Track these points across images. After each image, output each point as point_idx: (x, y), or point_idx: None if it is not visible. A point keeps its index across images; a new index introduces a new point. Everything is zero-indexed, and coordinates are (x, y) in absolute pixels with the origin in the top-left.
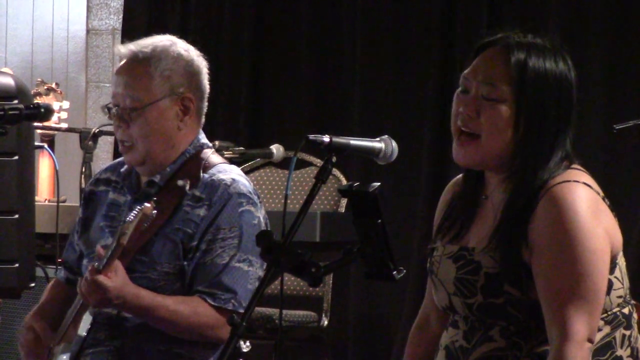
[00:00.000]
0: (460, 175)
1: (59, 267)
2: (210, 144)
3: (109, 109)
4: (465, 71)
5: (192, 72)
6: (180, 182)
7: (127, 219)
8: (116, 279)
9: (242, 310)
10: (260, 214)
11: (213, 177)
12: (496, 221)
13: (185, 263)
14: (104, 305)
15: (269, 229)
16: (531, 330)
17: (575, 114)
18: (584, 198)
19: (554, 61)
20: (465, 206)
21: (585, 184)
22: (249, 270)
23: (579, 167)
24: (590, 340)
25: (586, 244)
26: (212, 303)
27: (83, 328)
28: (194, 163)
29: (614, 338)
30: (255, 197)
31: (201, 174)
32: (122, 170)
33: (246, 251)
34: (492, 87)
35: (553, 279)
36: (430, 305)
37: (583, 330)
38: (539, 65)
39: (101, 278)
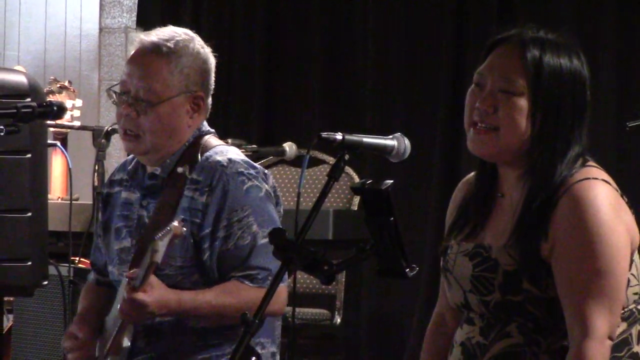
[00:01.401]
0: (472, 174)
1: (71, 266)
2: (212, 130)
3: (116, 93)
4: (480, 67)
5: (206, 71)
6: (180, 169)
7: (156, 236)
8: (153, 292)
9: (280, 283)
10: (266, 185)
11: (209, 159)
12: (515, 218)
13: (206, 256)
14: (149, 320)
15: (278, 196)
16: (549, 326)
17: (589, 110)
18: (605, 195)
19: (568, 57)
20: (481, 204)
21: (604, 181)
22: None
23: (594, 164)
24: (610, 338)
25: (608, 240)
26: (251, 285)
27: (127, 339)
28: (193, 149)
29: (630, 334)
30: (255, 171)
31: (198, 157)
32: (129, 168)
33: (264, 225)
34: (509, 81)
35: (575, 276)
36: (445, 303)
37: (604, 327)
38: (554, 61)
39: (140, 295)
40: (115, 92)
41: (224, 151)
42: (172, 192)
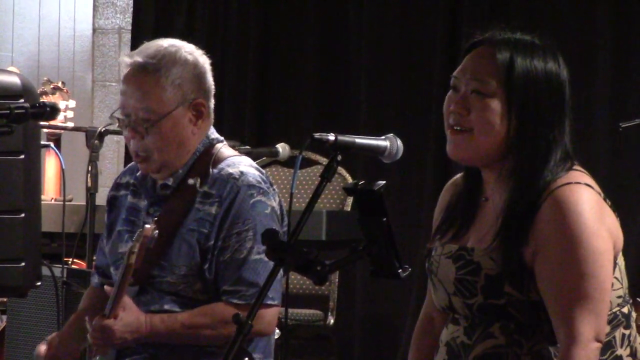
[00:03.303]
0: (459, 175)
1: (65, 267)
2: (221, 138)
3: (119, 119)
4: (455, 71)
5: (199, 75)
6: (191, 181)
7: (133, 238)
8: (125, 317)
9: (271, 302)
10: (273, 202)
11: (222, 172)
12: (497, 222)
13: (206, 266)
14: (120, 346)
15: (284, 215)
16: (531, 328)
17: (569, 112)
18: (587, 200)
19: (542, 59)
20: (465, 206)
21: (587, 185)
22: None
23: (579, 168)
24: (598, 340)
25: (591, 244)
26: (239, 302)
27: None
28: (204, 160)
29: (614, 337)
30: (266, 186)
31: (210, 170)
32: (138, 174)
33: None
34: (481, 83)
35: (558, 281)
36: (433, 305)
37: (589, 331)
38: (527, 62)
39: (106, 322)
40: (118, 118)
41: (237, 163)
42: (179, 202)
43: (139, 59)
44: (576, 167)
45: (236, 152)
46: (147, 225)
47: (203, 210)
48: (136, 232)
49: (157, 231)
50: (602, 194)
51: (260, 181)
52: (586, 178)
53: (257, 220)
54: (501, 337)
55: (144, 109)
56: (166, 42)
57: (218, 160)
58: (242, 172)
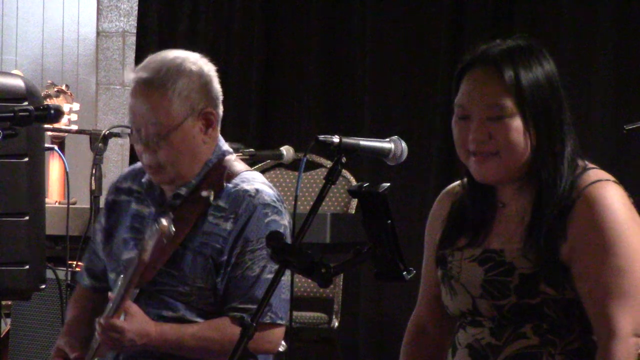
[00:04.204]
0: (454, 185)
1: (69, 270)
2: (232, 150)
3: (130, 134)
4: (458, 97)
5: (205, 84)
6: (204, 193)
7: (146, 235)
8: (135, 320)
9: (279, 322)
10: (286, 221)
11: (237, 188)
12: (524, 225)
13: (219, 279)
14: (127, 348)
15: (292, 234)
16: (563, 327)
17: (566, 100)
18: (620, 196)
19: (538, 63)
20: (481, 211)
21: (614, 181)
22: (282, 280)
23: (594, 165)
24: (637, 335)
25: (626, 240)
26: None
27: None
28: (217, 172)
29: None
30: (280, 205)
31: (225, 184)
32: (144, 180)
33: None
34: (497, 107)
35: (596, 277)
36: (426, 313)
37: (628, 326)
38: (530, 74)
39: (118, 322)
40: (129, 133)
41: (251, 179)
42: (190, 212)
43: (143, 74)
44: (591, 165)
45: (247, 167)
46: (164, 221)
47: (216, 225)
48: (140, 239)
49: (173, 228)
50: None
51: (274, 200)
52: (609, 175)
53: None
54: (534, 337)
55: (153, 124)
56: (170, 54)
57: (232, 174)
58: (257, 190)
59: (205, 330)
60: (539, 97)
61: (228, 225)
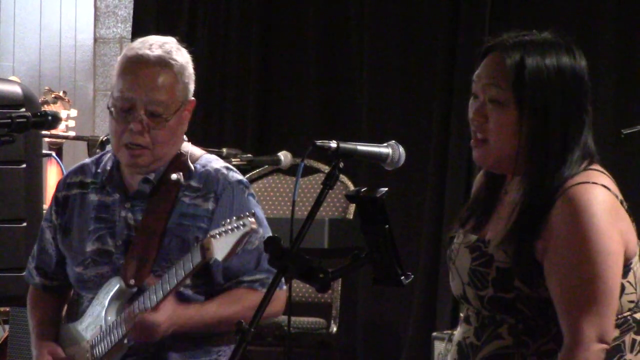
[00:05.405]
0: None
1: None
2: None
3: (121, 110)
4: (474, 74)
5: (192, 71)
6: (174, 176)
7: (213, 233)
8: (164, 309)
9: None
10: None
11: (206, 167)
12: (512, 218)
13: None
14: (158, 338)
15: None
16: (539, 328)
17: (588, 105)
18: (600, 200)
19: (554, 55)
20: (486, 199)
21: (603, 185)
22: None
23: (599, 168)
24: (602, 341)
25: (600, 245)
26: (262, 289)
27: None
28: (182, 156)
29: (624, 342)
30: (245, 181)
31: (191, 165)
32: (99, 170)
33: (267, 230)
34: (494, 90)
35: (565, 279)
36: None
37: (591, 332)
38: (537, 63)
39: (152, 317)
40: (120, 111)
41: (215, 159)
42: (164, 197)
43: (158, 51)
44: (595, 166)
45: (203, 150)
46: (251, 219)
47: (195, 205)
48: (117, 228)
49: (255, 226)
50: (620, 197)
51: (242, 178)
52: (603, 178)
53: (256, 212)
54: (509, 338)
55: (158, 103)
56: (169, 39)
57: (194, 156)
58: (227, 168)
59: (224, 306)
60: (540, 90)
61: (210, 205)
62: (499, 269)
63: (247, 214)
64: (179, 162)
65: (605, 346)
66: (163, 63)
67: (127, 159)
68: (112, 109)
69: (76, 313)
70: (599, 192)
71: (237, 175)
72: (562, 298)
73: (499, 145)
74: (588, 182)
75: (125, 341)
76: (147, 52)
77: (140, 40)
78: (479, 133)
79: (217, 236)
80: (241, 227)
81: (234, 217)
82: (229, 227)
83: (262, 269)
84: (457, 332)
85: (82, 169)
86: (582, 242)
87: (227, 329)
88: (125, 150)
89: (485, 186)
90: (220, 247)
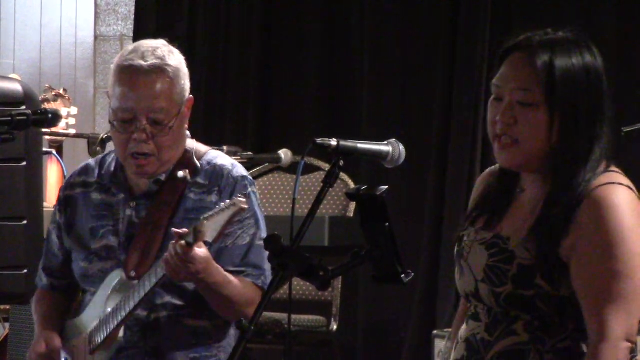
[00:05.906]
0: (496, 166)
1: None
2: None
3: (118, 122)
4: (495, 78)
5: (187, 71)
6: (181, 174)
7: (205, 215)
8: (204, 250)
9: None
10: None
11: (212, 163)
12: (534, 215)
13: (210, 250)
14: (189, 279)
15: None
16: (555, 325)
17: (608, 102)
18: (628, 200)
19: (579, 54)
20: (501, 196)
21: (627, 186)
22: None
23: (617, 169)
24: (629, 340)
25: (628, 244)
26: (246, 280)
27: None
28: (188, 154)
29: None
30: (250, 177)
31: (197, 162)
32: (103, 172)
33: (261, 228)
34: (525, 93)
35: (593, 278)
36: None
37: (620, 330)
38: (566, 63)
39: (197, 251)
40: (121, 122)
41: (220, 156)
42: (170, 194)
43: (152, 60)
44: (614, 168)
45: (208, 147)
46: (241, 198)
47: (200, 200)
48: (121, 226)
49: (246, 206)
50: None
51: (247, 174)
52: (625, 179)
53: (256, 209)
54: (524, 334)
55: (159, 111)
56: (159, 43)
57: (199, 152)
58: (232, 164)
59: (239, 284)
60: (570, 90)
61: (213, 197)
62: (521, 266)
63: (239, 195)
64: (185, 159)
65: (631, 345)
66: (158, 70)
67: (134, 168)
68: (115, 122)
69: (80, 308)
70: (625, 193)
71: (241, 172)
72: (590, 296)
73: (530, 146)
74: (613, 183)
75: (121, 334)
76: (141, 62)
77: (131, 49)
78: (507, 135)
79: (209, 218)
80: (231, 207)
81: (227, 200)
82: (219, 209)
83: (247, 263)
84: (463, 329)
85: (85, 170)
86: (611, 241)
87: (227, 305)
88: (131, 160)
89: (498, 184)
90: (211, 228)
